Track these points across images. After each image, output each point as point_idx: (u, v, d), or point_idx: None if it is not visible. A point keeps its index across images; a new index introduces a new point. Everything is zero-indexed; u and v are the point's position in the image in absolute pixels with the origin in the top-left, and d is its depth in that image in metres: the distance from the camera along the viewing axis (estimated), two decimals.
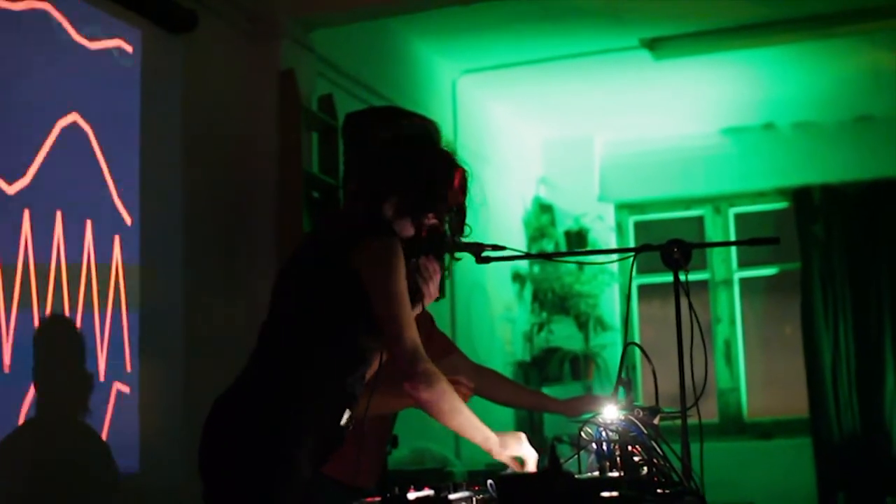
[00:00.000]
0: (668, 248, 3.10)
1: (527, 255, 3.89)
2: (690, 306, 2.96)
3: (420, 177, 3.07)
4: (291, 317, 2.94)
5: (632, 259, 3.44)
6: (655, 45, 7.22)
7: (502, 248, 3.51)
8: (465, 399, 3.05)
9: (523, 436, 2.97)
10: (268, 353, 2.95)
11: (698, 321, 2.97)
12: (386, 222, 3.01)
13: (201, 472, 2.84)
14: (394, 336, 2.82)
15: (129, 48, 4.46)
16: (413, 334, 2.83)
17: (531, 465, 2.92)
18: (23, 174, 3.84)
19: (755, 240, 3.37)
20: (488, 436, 2.90)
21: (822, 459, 8.50)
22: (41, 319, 3.83)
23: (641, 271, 9.12)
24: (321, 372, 2.86)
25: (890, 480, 8.08)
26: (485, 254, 3.41)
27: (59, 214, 3.99)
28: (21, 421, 3.73)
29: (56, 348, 3.98)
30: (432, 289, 3.14)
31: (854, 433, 8.48)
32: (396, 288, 2.85)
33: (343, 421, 2.92)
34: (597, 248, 8.77)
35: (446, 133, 6.95)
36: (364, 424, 3.36)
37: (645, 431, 2.69)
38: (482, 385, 3.75)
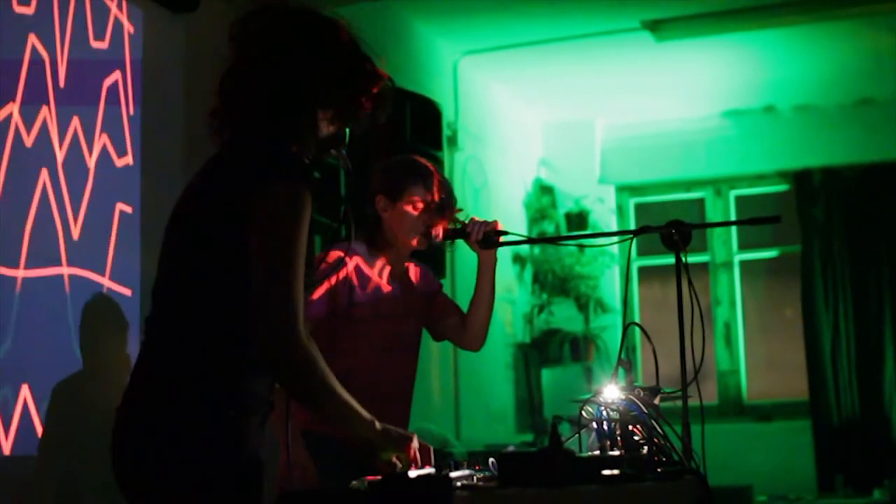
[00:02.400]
0: (667, 229, 3.11)
1: (529, 241, 3.94)
2: (691, 285, 2.97)
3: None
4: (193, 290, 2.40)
5: (630, 241, 3.47)
6: (657, 27, 7.22)
7: (505, 232, 3.62)
8: None
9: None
10: (170, 339, 2.39)
11: (699, 302, 2.98)
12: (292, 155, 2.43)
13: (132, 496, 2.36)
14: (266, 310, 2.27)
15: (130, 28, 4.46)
16: (297, 319, 2.27)
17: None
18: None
19: (755, 219, 3.38)
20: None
21: (821, 442, 8.52)
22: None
23: (642, 253, 9.14)
24: (236, 353, 2.34)
25: (888, 463, 8.10)
26: (503, 237, 3.57)
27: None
28: None
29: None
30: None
31: (853, 416, 8.50)
32: (290, 248, 2.30)
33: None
34: (597, 229, 8.78)
35: (448, 114, 6.99)
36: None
37: (645, 411, 2.69)
38: (466, 330, 3.96)
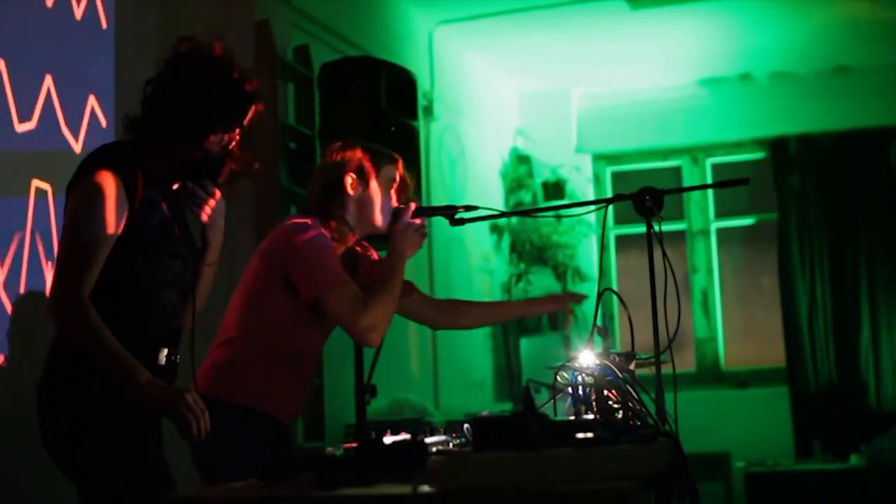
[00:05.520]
0: (640, 195, 3.13)
1: (502, 214, 3.93)
2: (664, 253, 2.97)
3: (188, 95, 2.95)
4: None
5: (604, 209, 3.48)
6: None
7: (475, 207, 3.58)
8: None
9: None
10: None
11: (672, 268, 2.99)
12: (112, 152, 2.89)
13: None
14: (52, 286, 2.76)
15: None
16: (71, 289, 2.71)
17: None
18: None
19: (725, 182, 3.40)
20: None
21: (799, 408, 8.57)
22: None
23: (619, 222, 9.15)
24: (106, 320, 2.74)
25: (864, 429, 8.15)
26: (458, 215, 3.53)
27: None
28: None
29: None
30: (204, 215, 3.01)
31: (830, 383, 8.55)
32: (77, 235, 2.77)
33: (161, 360, 2.91)
34: (574, 198, 8.79)
35: (423, 84, 6.96)
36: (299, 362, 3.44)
37: (620, 375, 2.71)
38: (446, 318, 3.90)
